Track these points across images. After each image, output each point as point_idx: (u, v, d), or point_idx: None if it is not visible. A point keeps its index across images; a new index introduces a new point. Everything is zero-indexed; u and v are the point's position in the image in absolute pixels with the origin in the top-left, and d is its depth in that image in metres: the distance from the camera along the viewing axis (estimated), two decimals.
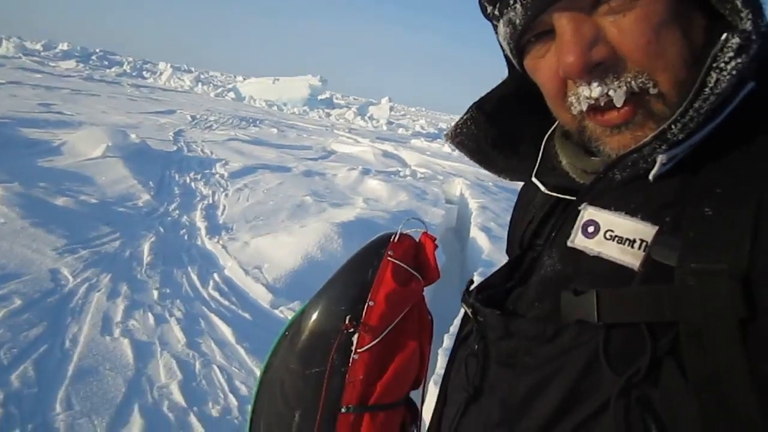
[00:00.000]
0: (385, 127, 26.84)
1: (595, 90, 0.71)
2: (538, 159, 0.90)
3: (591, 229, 0.74)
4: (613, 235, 0.71)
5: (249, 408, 2.12)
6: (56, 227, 4.87)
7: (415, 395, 2.11)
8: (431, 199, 8.90)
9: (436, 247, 1.98)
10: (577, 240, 0.75)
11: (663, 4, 0.68)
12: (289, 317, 3.80)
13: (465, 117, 0.96)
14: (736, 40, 0.63)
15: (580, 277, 0.74)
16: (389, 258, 1.88)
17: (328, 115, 29.96)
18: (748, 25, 0.64)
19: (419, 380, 2.04)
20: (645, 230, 0.69)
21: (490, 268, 5.80)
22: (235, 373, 2.93)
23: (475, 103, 0.95)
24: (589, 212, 0.75)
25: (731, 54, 0.63)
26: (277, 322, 3.84)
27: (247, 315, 3.74)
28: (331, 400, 1.85)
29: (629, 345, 0.66)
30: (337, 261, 5.26)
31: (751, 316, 0.60)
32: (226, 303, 3.87)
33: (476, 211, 8.16)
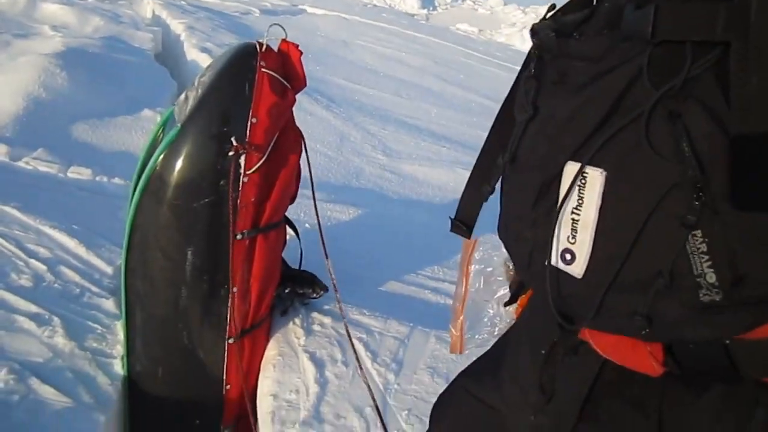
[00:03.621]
0: None
1: None
2: None
3: None
4: None
5: (121, 273, 1.89)
6: None
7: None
8: (129, 22, 7.94)
9: (301, 53, 1.89)
10: None
11: None
12: (48, 170, 3.28)
13: None
14: None
15: (651, 1, 0.72)
16: (263, 70, 1.75)
17: None
18: None
19: (295, 195, 2.02)
20: None
21: None
22: (22, 237, 2.50)
23: None
24: None
25: None
26: (27, 174, 3.28)
27: None
28: (225, 229, 1.76)
29: (671, 63, 0.70)
30: (66, 97, 4.56)
31: None
32: None
33: (184, 32, 7.56)
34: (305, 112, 5.10)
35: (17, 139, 3.61)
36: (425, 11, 25.48)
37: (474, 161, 1.06)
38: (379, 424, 1.74)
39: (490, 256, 1.13)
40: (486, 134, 1.04)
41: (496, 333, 1.11)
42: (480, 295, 1.12)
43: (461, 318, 1.14)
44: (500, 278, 1.12)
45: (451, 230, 1.09)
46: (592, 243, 0.77)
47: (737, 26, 0.65)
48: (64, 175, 3.38)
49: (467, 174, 1.07)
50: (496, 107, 1.00)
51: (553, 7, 0.93)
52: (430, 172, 4.32)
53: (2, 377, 1.77)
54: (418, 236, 3.17)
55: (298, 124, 1.93)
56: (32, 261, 2.37)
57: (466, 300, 1.13)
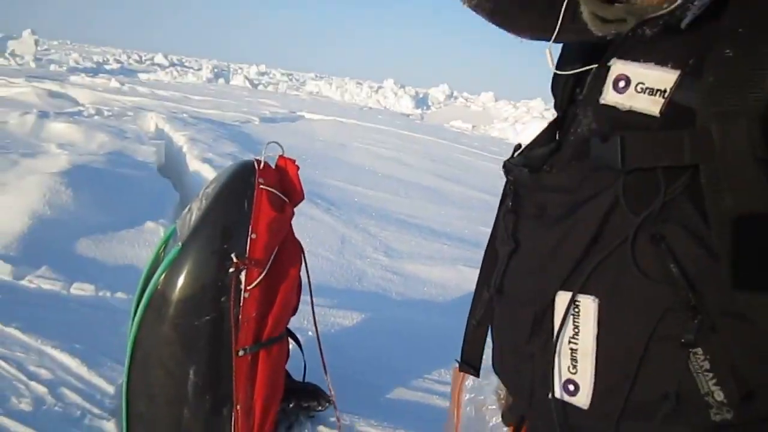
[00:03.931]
0: (33, 65, 23.35)
1: None
2: (561, 13, 0.83)
3: (622, 84, 0.74)
4: (644, 87, 0.72)
5: (122, 392, 1.86)
6: None
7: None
8: (133, 136, 8.21)
9: (298, 168, 1.94)
10: (609, 97, 0.75)
11: None
12: (51, 287, 3.28)
13: None
14: None
15: (615, 133, 0.74)
16: (262, 186, 1.79)
17: None
18: None
19: (297, 307, 2.02)
20: (675, 78, 0.70)
21: None
22: (23, 359, 2.49)
23: None
24: (618, 67, 0.75)
25: None
26: (30, 293, 3.30)
27: None
28: (226, 346, 1.75)
29: (646, 188, 0.71)
30: (71, 213, 4.63)
31: None
32: None
33: (186, 144, 7.80)
34: (306, 216, 5.17)
35: (21, 257, 3.64)
36: (420, 111, 26.38)
37: (474, 257, 1.06)
38: None
39: (480, 384, 1.11)
40: (485, 229, 1.05)
41: None
42: (472, 424, 1.09)
43: None
44: (492, 407, 1.10)
45: (460, 371, 1.08)
46: (594, 372, 0.76)
47: (703, 150, 0.66)
48: (67, 292, 3.39)
49: (469, 271, 1.07)
50: (495, 201, 1.01)
51: (519, 146, 0.96)
52: (433, 271, 4.32)
53: None
54: (424, 338, 3.13)
55: (298, 228, 1.95)
56: (32, 383, 2.34)
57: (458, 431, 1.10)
